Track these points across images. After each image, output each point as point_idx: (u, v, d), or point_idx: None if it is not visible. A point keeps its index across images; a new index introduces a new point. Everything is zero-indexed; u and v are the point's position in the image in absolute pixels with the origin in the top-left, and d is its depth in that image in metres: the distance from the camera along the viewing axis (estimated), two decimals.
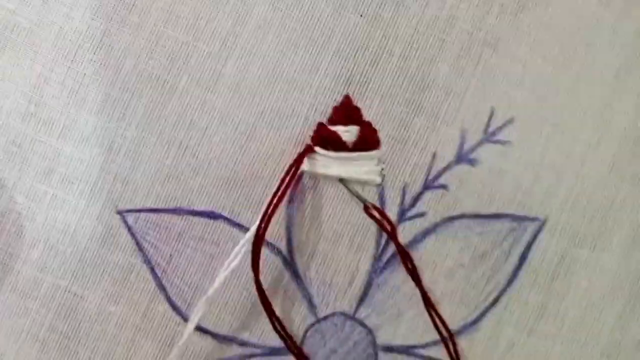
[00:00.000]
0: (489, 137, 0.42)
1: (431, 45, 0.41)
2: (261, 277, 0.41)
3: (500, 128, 0.42)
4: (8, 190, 0.40)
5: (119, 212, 0.41)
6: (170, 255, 0.41)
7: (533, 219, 0.42)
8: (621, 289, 0.43)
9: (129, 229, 0.41)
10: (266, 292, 0.40)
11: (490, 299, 0.42)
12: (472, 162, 0.42)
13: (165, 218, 0.41)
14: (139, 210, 0.41)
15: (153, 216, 0.41)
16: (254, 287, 0.40)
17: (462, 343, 0.42)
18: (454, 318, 0.42)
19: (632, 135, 0.43)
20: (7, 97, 0.40)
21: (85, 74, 0.40)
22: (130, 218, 0.41)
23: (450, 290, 0.42)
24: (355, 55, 0.41)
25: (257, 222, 0.39)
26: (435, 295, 0.42)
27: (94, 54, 0.40)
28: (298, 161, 0.40)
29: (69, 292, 0.41)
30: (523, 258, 0.42)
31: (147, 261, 0.41)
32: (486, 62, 0.42)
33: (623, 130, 0.42)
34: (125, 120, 0.40)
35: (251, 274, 0.41)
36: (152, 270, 0.41)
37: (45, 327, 0.41)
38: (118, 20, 0.40)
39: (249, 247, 0.39)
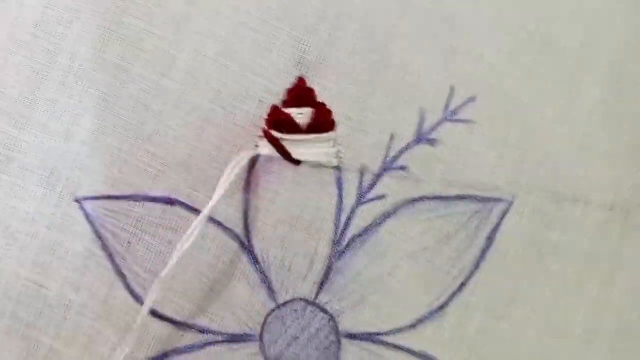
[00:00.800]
0: (449, 116, 0.41)
1: (387, 23, 0.41)
2: (220, 263, 0.41)
3: (461, 107, 0.41)
4: None
5: (77, 200, 0.41)
6: (129, 242, 0.41)
7: (499, 200, 0.41)
8: (595, 272, 0.41)
9: (87, 216, 0.41)
10: (225, 278, 0.40)
11: (457, 283, 0.41)
12: (432, 142, 0.41)
13: (122, 205, 0.41)
14: (97, 198, 0.41)
15: (110, 203, 0.41)
16: (212, 273, 0.40)
17: (429, 330, 0.41)
18: (419, 304, 0.41)
19: (601, 109, 0.41)
20: None
21: (40, 62, 0.41)
22: (88, 206, 0.41)
23: (415, 275, 0.41)
24: (309, 36, 0.41)
25: (210, 204, 0.39)
26: (398, 280, 0.41)
27: (49, 42, 0.41)
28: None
29: (29, 280, 0.41)
30: (490, 241, 0.41)
31: (106, 248, 0.41)
32: (444, 39, 0.41)
33: (591, 105, 0.41)
34: (81, 108, 0.41)
35: (208, 259, 0.40)
36: (111, 257, 0.41)
37: (7, 316, 0.41)
38: (73, 9, 0.41)
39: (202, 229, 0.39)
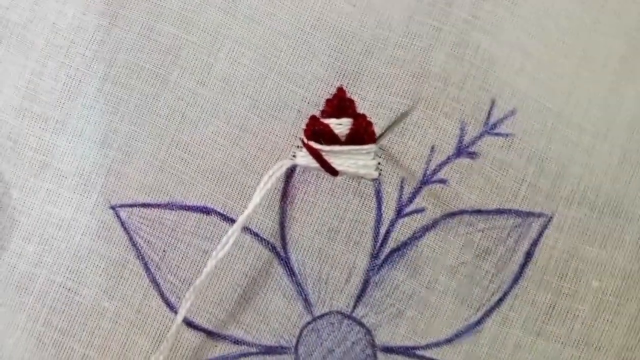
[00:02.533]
0: (489, 129, 0.40)
1: (427, 34, 0.40)
2: (256, 274, 0.40)
3: (501, 120, 0.40)
4: (3, 184, 0.41)
5: (112, 207, 0.40)
6: (164, 250, 0.41)
7: (539, 215, 0.40)
8: (635, 289, 0.40)
9: (122, 223, 0.40)
10: (260, 289, 0.40)
11: (495, 298, 0.41)
12: (472, 156, 0.40)
13: (158, 213, 0.41)
14: (132, 205, 0.40)
15: (146, 211, 0.40)
16: (247, 283, 0.39)
17: (466, 344, 0.41)
18: (456, 318, 0.41)
19: None
20: (1, 92, 0.40)
21: (78, 68, 0.40)
22: (124, 213, 0.40)
23: (453, 289, 0.40)
24: (348, 46, 0.40)
25: (245, 212, 0.38)
26: (435, 294, 0.40)
27: (86, 49, 0.40)
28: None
29: (63, 287, 0.41)
30: (529, 256, 0.40)
31: (141, 256, 0.41)
32: (485, 51, 0.40)
33: (631, 118, 0.40)
34: (117, 115, 0.40)
35: (243, 269, 0.40)
36: (146, 265, 0.41)
37: (41, 322, 0.41)
38: (110, 15, 0.40)
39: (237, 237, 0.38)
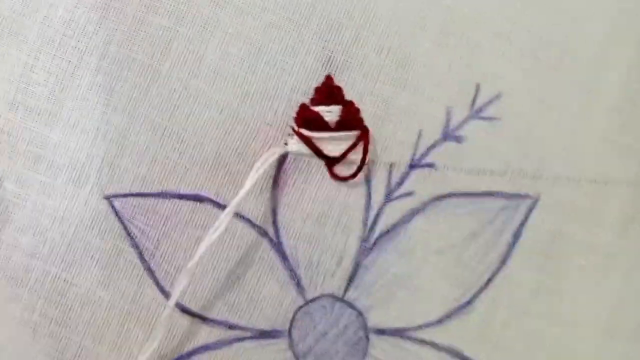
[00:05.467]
0: (475, 113, 0.41)
1: (412, 22, 0.41)
2: (248, 260, 0.41)
3: (486, 104, 0.41)
4: None
5: (106, 197, 0.41)
6: (158, 239, 0.41)
7: (525, 197, 0.41)
8: (618, 266, 0.42)
9: (117, 213, 0.41)
10: (253, 274, 0.41)
11: (484, 279, 0.42)
12: (459, 139, 0.41)
13: (152, 202, 0.41)
14: (126, 195, 0.41)
15: (140, 200, 0.41)
16: (240, 269, 0.40)
17: (456, 325, 0.41)
18: (446, 299, 0.41)
19: (621, 105, 0.41)
20: None
21: (70, 61, 0.41)
22: (118, 203, 0.41)
23: (442, 271, 0.41)
24: (336, 35, 0.41)
25: (237, 197, 0.39)
26: (425, 276, 0.41)
27: (78, 41, 0.41)
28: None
29: (58, 278, 0.41)
30: (516, 237, 0.41)
31: (135, 246, 0.41)
32: (469, 38, 0.41)
33: (611, 101, 0.41)
34: (110, 106, 0.41)
35: (236, 256, 0.41)
36: (141, 254, 0.41)
37: (36, 313, 0.41)
38: (101, 8, 0.41)
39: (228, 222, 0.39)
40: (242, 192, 0.39)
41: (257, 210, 0.41)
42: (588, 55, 0.42)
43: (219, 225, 0.39)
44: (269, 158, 0.40)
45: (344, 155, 0.40)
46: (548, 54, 0.42)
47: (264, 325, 0.41)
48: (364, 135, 0.40)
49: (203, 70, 0.41)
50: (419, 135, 0.41)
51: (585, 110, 0.41)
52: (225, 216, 0.39)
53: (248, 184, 0.39)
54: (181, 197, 0.41)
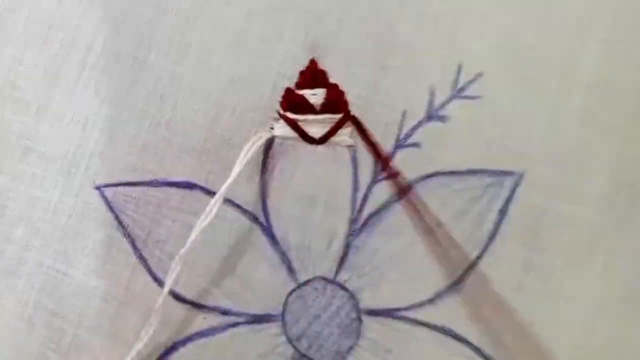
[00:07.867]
0: (458, 93, 0.42)
1: (392, 6, 0.42)
2: (240, 245, 0.41)
3: (468, 83, 0.42)
4: None
5: (97, 188, 0.42)
6: (150, 227, 0.42)
7: (509, 173, 0.42)
8: (602, 241, 0.42)
9: (108, 203, 0.42)
10: (245, 259, 0.41)
11: (473, 256, 0.42)
12: (443, 119, 0.42)
13: (142, 191, 0.42)
14: (117, 185, 0.42)
15: (131, 189, 0.42)
16: (232, 254, 0.41)
17: (447, 303, 0.42)
18: (437, 279, 0.42)
19: (599, 82, 0.42)
20: None
21: (56, 54, 0.42)
22: (109, 192, 0.42)
23: (431, 250, 0.42)
24: (318, 20, 0.42)
25: (227, 182, 0.39)
26: (415, 256, 0.42)
27: (64, 34, 0.42)
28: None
29: (52, 269, 0.41)
30: (503, 214, 0.42)
31: (127, 234, 0.42)
32: (449, 19, 0.42)
33: (590, 78, 0.42)
34: (98, 98, 0.42)
35: (228, 241, 0.41)
36: (133, 243, 0.42)
37: (31, 304, 0.41)
38: (86, 1, 0.42)
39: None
40: (231, 177, 0.40)
41: (247, 196, 0.42)
42: (565, 31, 0.42)
43: (209, 211, 0.40)
44: (256, 142, 0.40)
45: (327, 136, 0.41)
46: (526, 32, 0.42)
47: (257, 310, 0.42)
48: (347, 117, 0.41)
49: (188, 59, 0.42)
50: (403, 116, 0.42)
51: (565, 87, 0.42)
52: (215, 202, 0.40)
53: (236, 168, 0.40)
54: (171, 184, 0.42)
